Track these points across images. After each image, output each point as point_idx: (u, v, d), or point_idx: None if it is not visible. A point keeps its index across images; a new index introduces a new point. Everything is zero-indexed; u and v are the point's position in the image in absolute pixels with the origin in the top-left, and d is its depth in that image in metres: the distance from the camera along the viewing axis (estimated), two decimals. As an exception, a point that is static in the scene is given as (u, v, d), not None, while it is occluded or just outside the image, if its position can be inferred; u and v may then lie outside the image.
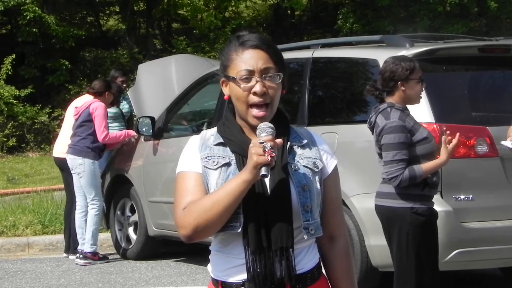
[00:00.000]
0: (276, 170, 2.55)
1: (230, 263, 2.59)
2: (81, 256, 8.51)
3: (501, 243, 6.03)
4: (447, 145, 4.93)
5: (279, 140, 2.51)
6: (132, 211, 8.82)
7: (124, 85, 10.07)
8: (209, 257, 2.68)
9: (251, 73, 2.57)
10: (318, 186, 2.62)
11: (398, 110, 4.95)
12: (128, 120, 9.99)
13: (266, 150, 2.45)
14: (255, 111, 2.57)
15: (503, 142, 4.94)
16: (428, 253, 4.98)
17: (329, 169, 2.68)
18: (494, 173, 6.09)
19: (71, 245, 8.78)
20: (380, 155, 5.03)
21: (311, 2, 24.15)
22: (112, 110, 9.41)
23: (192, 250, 8.64)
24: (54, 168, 16.06)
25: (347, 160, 6.04)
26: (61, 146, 8.85)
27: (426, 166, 4.89)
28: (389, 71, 4.98)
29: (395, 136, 4.87)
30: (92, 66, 20.42)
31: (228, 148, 2.61)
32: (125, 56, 20.78)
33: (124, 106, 9.89)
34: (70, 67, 20.04)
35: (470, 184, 6.08)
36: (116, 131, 9.04)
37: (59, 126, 19.28)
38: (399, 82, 4.95)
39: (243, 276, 2.56)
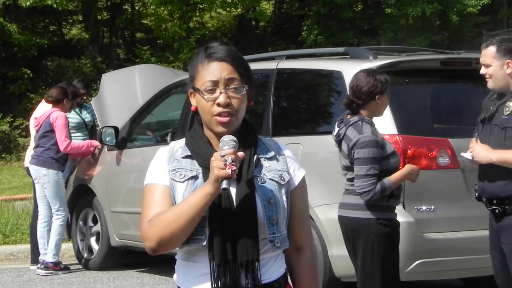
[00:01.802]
0: (242, 183, 2.57)
1: (197, 272, 2.60)
2: (42, 266, 8.43)
3: (462, 254, 6.09)
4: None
5: (240, 153, 2.52)
6: (95, 221, 8.76)
7: (85, 97, 9.98)
8: (175, 267, 2.68)
9: (215, 84, 2.59)
10: (285, 199, 2.64)
11: (368, 124, 5.00)
12: (90, 130, 9.93)
13: (227, 163, 2.46)
14: (219, 118, 2.58)
15: (463, 154, 5.00)
16: (391, 263, 5.03)
17: (296, 181, 2.70)
18: (456, 185, 6.15)
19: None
20: (346, 168, 5.06)
21: (275, 13, 24.25)
22: (74, 120, 9.35)
23: (154, 261, 8.60)
24: (15, 177, 15.92)
25: (311, 171, 6.03)
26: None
27: (393, 177, 4.96)
28: (370, 84, 4.99)
29: (369, 150, 4.91)
30: (55, 75, 20.28)
31: (195, 161, 2.62)
32: (88, 65, 20.67)
33: (86, 115, 9.82)
34: (32, 76, 19.89)
35: (432, 195, 6.13)
36: (79, 141, 8.98)
37: (21, 135, 19.22)
38: (376, 96, 5.00)
39: (209, 285, 2.57)
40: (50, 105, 8.68)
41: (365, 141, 4.92)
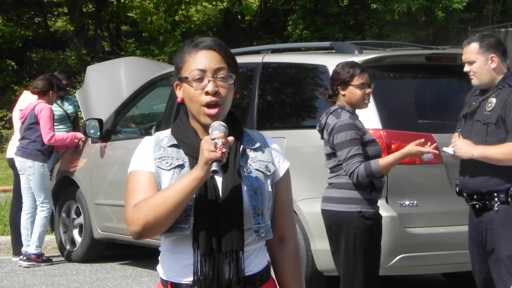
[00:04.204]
0: (229, 173, 2.56)
1: (180, 263, 2.59)
2: (24, 258, 8.41)
3: (444, 248, 6.12)
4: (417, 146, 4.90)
5: (230, 138, 2.52)
6: (78, 213, 8.75)
7: (68, 88, 9.92)
8: (159, 258, 2.67)
9: (203, 72, 2.58)
10: (270, 189, 2.64)
11: (348, 112, 5.05)
12: (73, 121, 9.89)
13: (218, 146, 2.46)
14: (207, 110, 2.58)
15: (444, 149, 5.01)
16: (374, 256, 5.05)
17: (281, 172, 2.70)
18: (439, 180, 6.18)
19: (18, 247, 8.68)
20: (328, 156, 5.09)
21: (261, 7, 24.23)
22: (57, 112, 9.31)
23: (137, 254, 8.60)
24: (-2, 169, 15.84)
25: (295, 164, 6.03)
26: (14, 147, 8.76)
27: (383, 160, 4.94)
28: (332, 76, 5.15)
29: (346, 133, 4.95)
30: (39, 67, 20.20)
31: (181, 150, 2.62)
32: (73, 57, 20.60)
33: (68, 107, 9.78)
34: (16, 67, 19.79)
35: (415, 190, 6.16)
36: (63, 133, 8.95)
37: (4, 127, 19.13)
38: (338, 87, 5.06)
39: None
40: (32, 96, 8.65)
41: (342, 125, 4.97)
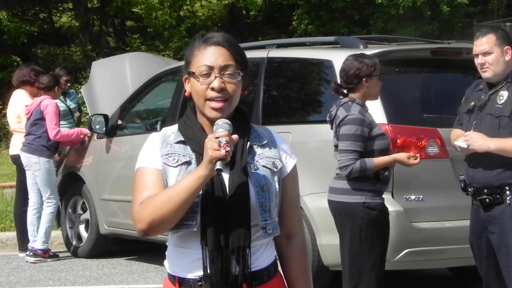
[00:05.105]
0: (236, 170, 2.56)
1: (188, 258, 2.59)
2: (31, 253, 8.43)
3: (450, 243, 6.11)
4: (409, 159, 5.05)
5: (235, 136, 2.52)
6: (84, 209, 8.76)
7: (69, 84, 9.93)
8: (166, 253, 2.67)
9: (210, 69, 2.58)
10: (277, 186, 2.64)
11: (358, 105, 5.10)
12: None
13: (221, 144, 2.46)
14: (213, 103, 2.58)
15: (456, 142, 4.92)
16: (381, 248, 5.05)
17: (288, 169, 2.71)
18: (444, 174, 6.17)
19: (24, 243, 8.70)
20: (336, 147, 5.14)
21: (266, 2, 24.21)
22: (60, 108, 9.31)
23: (143, 249, 8.61)
24: (4, 165, 15.89)
25: (300, 159, 6.02)
26: (16, 143, 8.77)
27: (378, 160, 4.99)
28: (355, 68, 5.13)
29: (352, 127, 4.99)
30: (44, 62, 20.20)
31: (188, 147, 2.62)
32: (78, 53, 20.61)
33: (70, 103, 9.79)
34: (21, 63, 19.80)
35: (421, 184, 6.15)
36: (68, 129, 8.96)
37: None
38: (363, 79, 5.09)
39: (200, 272, 2.57)
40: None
41: (351, 119, 5.02)
